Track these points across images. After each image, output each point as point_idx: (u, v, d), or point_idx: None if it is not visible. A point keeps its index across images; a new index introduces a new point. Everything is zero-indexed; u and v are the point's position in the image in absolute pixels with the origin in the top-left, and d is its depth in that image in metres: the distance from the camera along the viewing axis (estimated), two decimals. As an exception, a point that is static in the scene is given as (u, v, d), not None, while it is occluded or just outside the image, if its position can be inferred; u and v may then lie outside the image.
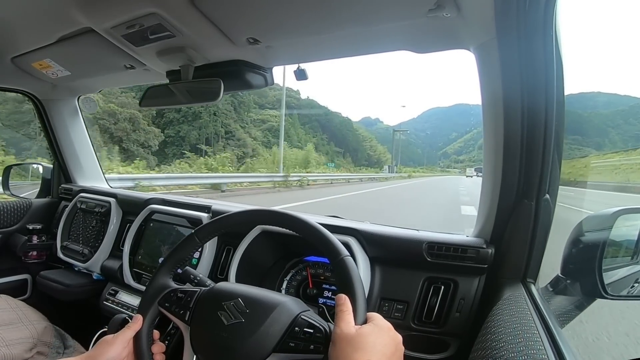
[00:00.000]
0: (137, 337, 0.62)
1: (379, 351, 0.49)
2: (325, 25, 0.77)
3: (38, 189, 1.68)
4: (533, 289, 0.73)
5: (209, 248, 1.05)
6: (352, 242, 0.87)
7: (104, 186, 1.69)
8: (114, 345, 0.59)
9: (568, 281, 0.79)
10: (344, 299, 0.55)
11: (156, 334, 0.65)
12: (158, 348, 0.64)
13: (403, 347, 0.54)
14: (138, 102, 1.04)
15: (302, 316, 0.56)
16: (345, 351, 0.49)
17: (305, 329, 0.55)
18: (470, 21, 0.69)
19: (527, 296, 0.67)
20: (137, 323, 0.62)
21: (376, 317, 0.55)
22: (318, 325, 0.55)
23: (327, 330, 0.54)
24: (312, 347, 0.53)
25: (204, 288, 0.64)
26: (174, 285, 0.66)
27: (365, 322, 0.54)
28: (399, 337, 0.54)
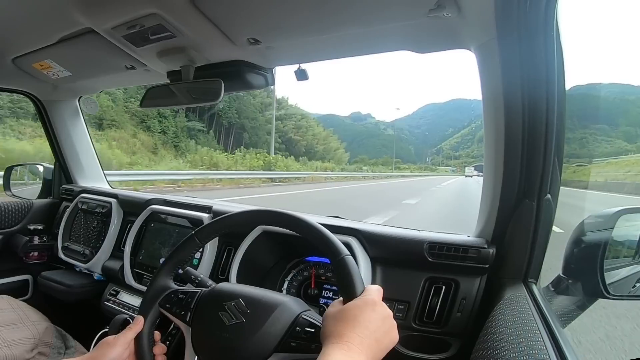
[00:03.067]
0: (138, 339, 0.62)
1: (361, 324, 0.49)
2: (325, 25, 0.77)
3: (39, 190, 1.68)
4: (534, 289, 0.73)
5: (210, 249, 1.05)
6: (353, 242, 0.87)
7: (105, 187, 1.69)
8: (116, 347, 0.59)
9: (570, 281, 0.78)
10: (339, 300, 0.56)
11: (157, 335, 0.65)
12: (159, 349, 0.64)
13: (393, 322, 0.53)
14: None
15: (303, 316, 0.56)
16: (330, 325, 0.50)
17: (306, 329, 0.55)
18: (471, 21, 0.68)
19: (528, 296, 0.67)
20: (138, 324, 0.62)
21: (368, 291, 0.54)
22: (319, 324, 0.55)
23: None
24: (313, 346, 0.53)
25: (204, 289, 0.64)
26: (174, 286, 0.66)
27: None
28: (387, 312, 0.53)
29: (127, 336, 0.61)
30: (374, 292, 0.55)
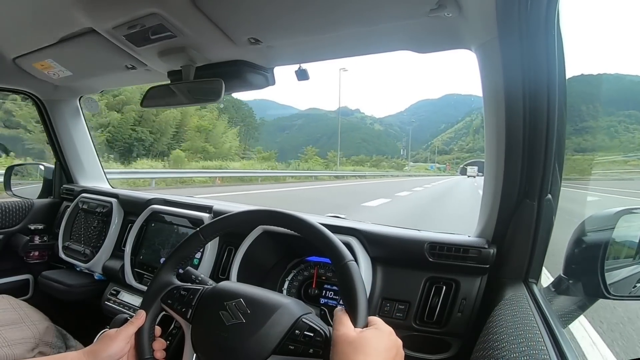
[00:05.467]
0: (139, 333, 0.62)
1: (380, 354, 0.49)
2: (326, 25, 0.77)
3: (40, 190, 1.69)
4: (535, 289, 0.73)
5: (211, 248, 1.06)
6: (354, 242, 0.87)
7: (105, 186, 1.70)
8: (117, 340, 0.59)
9: (570, 281, 0.78)
10: (342, 310, 0.55)
11: (158, 330, 0.65)
12: (159, 345, 0.64)
13: (403, 352, 0.54)
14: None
15: (303, 319, 0.56)
16: (347, 353, 0.49)
17: (305, 332, 0.55)
18: (472, 21, 0.68)
19: (529, 296, 0.67)
20: (140, 318, 0.62)
21: (377, 321, 0.55)
22: (318, 329, 0.55)
23: (328, 334, 0.54)
24: (311, 350, 0.53)
25: (207, 286, 0.64)
26: (177, 282, 0.66)
27: (366, 326, 0.53)
28: (400, 342, 0.54)
29: (129, 330, 0.61)
30: (382, 322, 0.55)
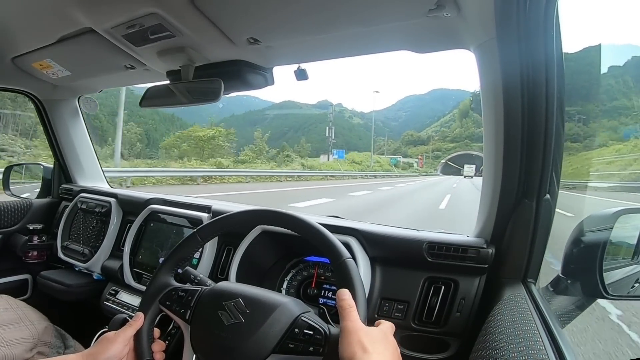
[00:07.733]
0: (137, 335, 0.62)
1: (391, 346, 0.53)
2: (325, 25, 0.77)
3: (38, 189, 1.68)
4: (533, 289, 0.73)
5: (210, 248, 1.05)
6: (353, 242, 0.87)
7: (104, 186, 1.69)
8: (115, 343, 0.59)
9: (569, 281, 0.79)
10: (347, 295, 0.55)
11: (156, 332, 0.65)
12: (158, 346, 0.64)
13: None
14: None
15: (302, 317, 0.56)
16: (362, 341, 0.50)
17: (305, 331, 0.55)
18: (471, 21, 0.69)
19: (527, 296, 0.67)
20: (138, 321, 0.62)
21: (379, 323, 0.58)
22: (318, 327, 0.55)
23: (327, 332, 0.54)
24: (311, 348, 0.53)
25: (205, 287, 0.64)
26: (175, 283, 0.66)
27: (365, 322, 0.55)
28: (395, 344, 0.56)
29: (127, 332, 0.61)
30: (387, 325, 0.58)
